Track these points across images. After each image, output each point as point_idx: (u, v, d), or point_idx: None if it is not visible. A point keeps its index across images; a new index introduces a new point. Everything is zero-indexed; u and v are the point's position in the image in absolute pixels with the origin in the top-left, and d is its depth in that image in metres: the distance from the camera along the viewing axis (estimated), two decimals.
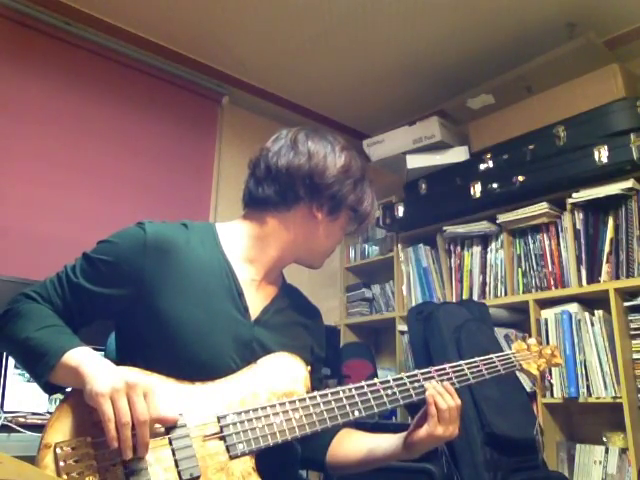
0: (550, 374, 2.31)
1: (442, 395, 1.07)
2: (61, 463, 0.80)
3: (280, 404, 0.96)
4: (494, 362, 1.24)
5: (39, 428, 1.52)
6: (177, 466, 0.86)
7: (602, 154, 2.26)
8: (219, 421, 0.92)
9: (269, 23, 2.58)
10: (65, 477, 0.79)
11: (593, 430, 2.34)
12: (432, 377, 1.12)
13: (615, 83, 2.34)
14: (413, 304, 2.87)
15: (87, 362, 0.87)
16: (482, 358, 1.23)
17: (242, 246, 1.13)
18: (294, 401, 0.97)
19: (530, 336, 2.40)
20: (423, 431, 1.06)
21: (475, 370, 1.19)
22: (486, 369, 1.21)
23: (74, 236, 2.36)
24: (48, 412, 1.73)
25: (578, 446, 2.30)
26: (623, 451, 2.16)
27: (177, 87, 2.87)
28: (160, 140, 2.78)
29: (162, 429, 0.88)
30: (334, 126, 3.40)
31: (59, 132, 2.45)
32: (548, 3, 2.41)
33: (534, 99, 2.61)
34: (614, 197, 2.29)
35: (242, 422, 0.92)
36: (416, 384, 1.09)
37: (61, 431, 0.84)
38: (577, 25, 2.49)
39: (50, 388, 0.92)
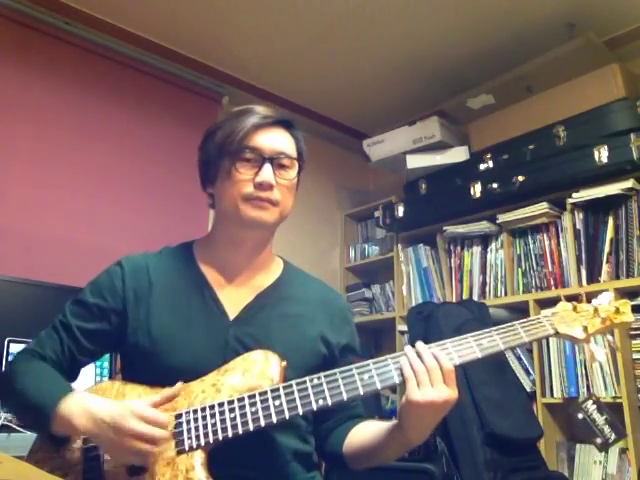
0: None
1: (420, 355, 0.96)
2: None
3: (239, 399, 0.97)
4: (516, 329, 1.04)
5: None
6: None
7: (602, 154, 2.26)
8: (175, 419, 0.97)
9: (269, 23, 2.58)
10: None
11: None
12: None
13: (615, 83, 2.34)
14: (413, 304, 2.87)
15: (75, 414, 0.96)
16: (498, 327, 1.04)
17: (214, 250, 1.20)
18: (254, 395, 0.97)
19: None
20: (403, 398, 0.95)
21: (487, 341, 1.00)
22: (501, 339, 1.01)
23: (74, 236, 2.35)
24: None
25: (578, 446, 2.30)
26: (623, 451, 2.16)
27: (177, 87, 2.87)
28: (160, 140, 2.78)
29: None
30: (334, 126, 3.40)
31: (59, 132, 2.45)
32: (548, 3, 2.41)
33: (534, 99, 2.61)
34: (614, 197, 2.29)
35: (196, 419, 0.97)
36: (398, 363, 0.98)
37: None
38: (577, 25, 2.49)
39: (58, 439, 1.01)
